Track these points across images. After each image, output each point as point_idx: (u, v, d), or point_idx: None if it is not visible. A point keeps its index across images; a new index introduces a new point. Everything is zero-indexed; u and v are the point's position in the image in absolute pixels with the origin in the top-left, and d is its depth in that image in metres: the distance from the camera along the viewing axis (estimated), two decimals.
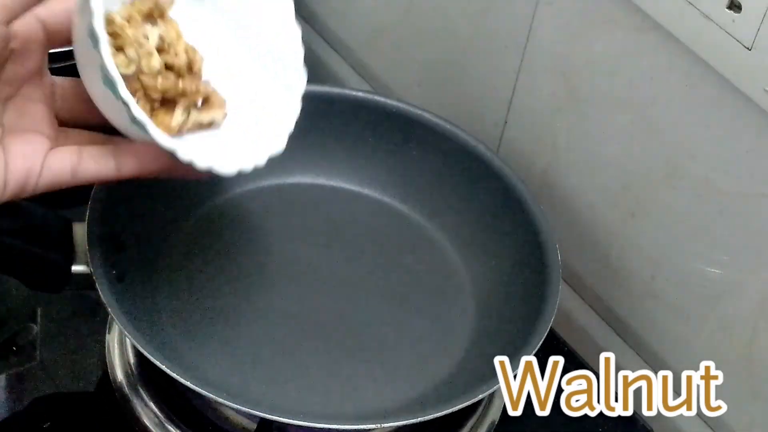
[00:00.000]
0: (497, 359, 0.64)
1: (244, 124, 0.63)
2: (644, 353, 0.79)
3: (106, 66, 0.54)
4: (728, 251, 0.70)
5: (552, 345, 0.76)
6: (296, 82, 0.63)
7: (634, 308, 0.79)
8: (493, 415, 0.72)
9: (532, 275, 0.72)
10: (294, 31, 0.63)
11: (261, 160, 0.60)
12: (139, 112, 0.55)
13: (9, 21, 0.53)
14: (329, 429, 0.61)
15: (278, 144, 0.61)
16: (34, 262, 0.65)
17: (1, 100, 0.58)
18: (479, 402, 0.71)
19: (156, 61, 0.60)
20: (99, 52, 0.54)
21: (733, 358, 0.71)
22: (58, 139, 0.59)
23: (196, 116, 0.62)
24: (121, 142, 0.59)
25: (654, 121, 0.71)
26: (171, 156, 0.56)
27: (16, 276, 0.66)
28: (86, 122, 0.61)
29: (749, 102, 0.63)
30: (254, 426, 0.66)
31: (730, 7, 0.61)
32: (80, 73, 0.59)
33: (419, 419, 0.64)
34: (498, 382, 0.64)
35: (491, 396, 0.72)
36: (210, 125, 0.63)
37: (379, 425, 0.64)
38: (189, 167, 0.57)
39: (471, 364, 0.70)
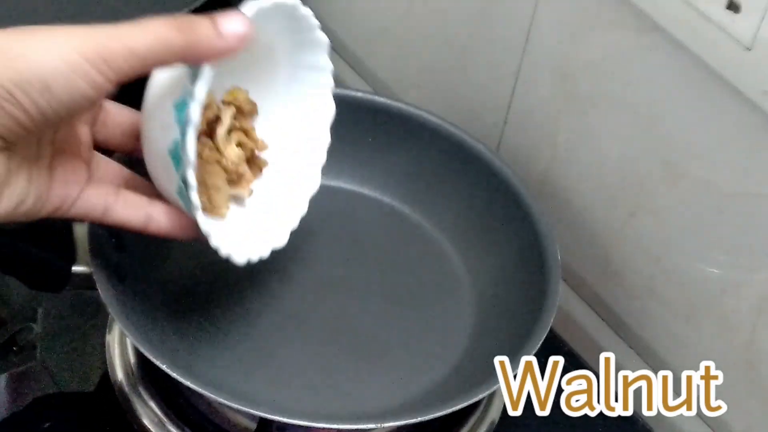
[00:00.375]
0: (497, 359, 0.64)
1: (258, 210, 0.66)
2: (644, 353, 0.79)
3: (187, 149, 0.55)
4: (728, 251, 0.70)
5: (552, 345, 0.76)
6: (309, 185, 0.68)
7: (634, 308, 0.79)
8: (493, 415, 0.72)
9: (532, 275, 0.72)
10: (324, 141, 0.68)
11: (265, 253, 0.64)
12: (195, 196, 0.56)
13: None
14: (329, 429, 0.61)
15: (281, 239, 0.65)
16: (35, 262, 0.65)
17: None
18: (479, 402, 0.71)
19: (234, 154, 0.63)
20: (181, 132, 0.55)
21: (733, 358, 0.71)
22: (91, 162, 0.60)
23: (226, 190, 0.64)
24: (156, 198, 0.60)
25: (654, 121, 0.71)
26: (197, 229, 0.58)
27: (17, 276, 0.66)
28: (117, 149, 0.62)
29: (749, 102, 0.63)
30: (254, 426, 0.66)
31: (729, 8, 0.61)
32: (143, 122, 0.59)
33: (419, 419, 0.64)
34: (498, 382, 0.64)
35: (491, 396, 0.72)
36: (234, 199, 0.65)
37: (379, 425, 0.64)
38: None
39: (471, 363, 0.70)
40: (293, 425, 0.62)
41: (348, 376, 0.69)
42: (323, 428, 0.62)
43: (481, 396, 0.65)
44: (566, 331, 0.80)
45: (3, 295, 0.76)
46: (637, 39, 0.69)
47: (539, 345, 0.66)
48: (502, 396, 0.68)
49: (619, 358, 0.78)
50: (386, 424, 0.65)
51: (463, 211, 0.78)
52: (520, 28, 0.77)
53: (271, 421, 0.63)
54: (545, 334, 0.66)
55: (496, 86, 0.82)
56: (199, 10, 0.88)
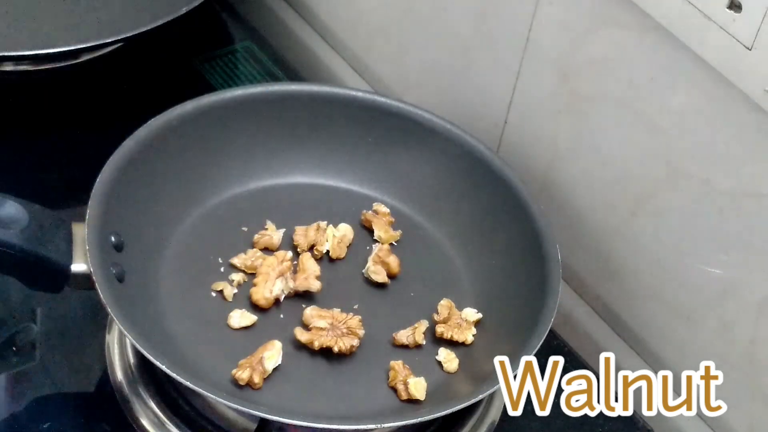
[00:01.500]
0: (497, 359, 0.64)
1: None
2: (644, 353, 0.79)
3: None
4: (728, 251, 0.70)
5: (552, 345, 0.76)
6: None
7: (634, 308, 0.78)
8: (493, 415, 0.72)
9: (532, 275, 0.71)
10: None
11: None
12: None
13: None
14: (329, 429, 0.61)
15: None
16: (34, 262, 0.65)
17: None
18: (479, 402, 0.71)
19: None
20: None
21: (734, 358, 0.71)
22: None
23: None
24: None
25: (654, 121, 0.71)
26: None
27: (16, 276, 0.66)
28: None
29: (749, 102, 0.63)
30: (254, 426, 0.66)
31: (730, 7, 0.61)
32: None
33: (419, 419, 0.64)
34: (498, 382, 0.64)
35: (491, 396, 0.72)
36: None
37: (379, 425, 0.64)
38: None
39: (471, 364, 0.70)
40: (293, 425, 0.62)
41: (348, 376, 0.69)
42: (323, 428, 0.61)
43: (481, 396, 0.65)
44: (566, 331, 0.80)
45: (2, 295, 0.75)
46: (638, 38, 0.69)
47: (539, 345, 0.66)
48: (502, 396, 0.68)
49: (619, 358, 0.78)
50: (386, 424, 0.65)
51: (463, 211, 0.78)
52: (521, 27, 0.77)
53: (271, 422, 0.63)
54: (545, 334, 0.66)
55: (496, 86, 0.82)
56: (198, 9, 0.88)
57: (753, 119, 0.64)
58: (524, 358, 0.64)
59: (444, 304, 0.73)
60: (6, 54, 0.86)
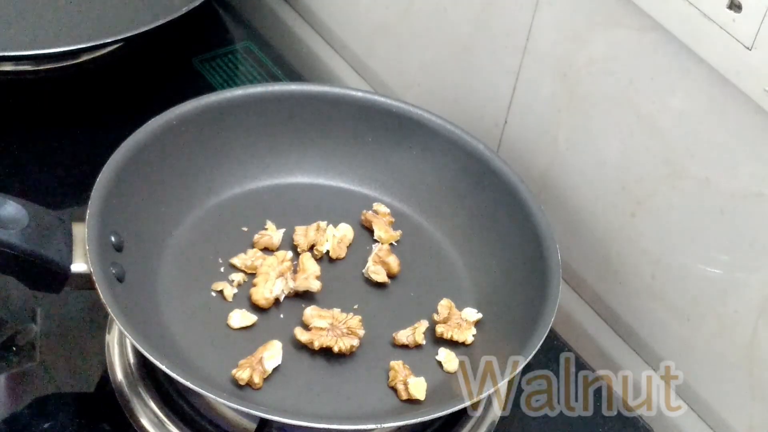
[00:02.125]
0: (459, 359, 0.64)
1: None
2: (644, 353, 0.79)
3: None
4: (728, 251, 0.70)
5: (552, 345, 0.76)
6: None
7: (634, 308, 0.79)
8: (493, 415, 0.72)
9: (532, 275, 0.71)
10: None
11: None
12: None
13: None
14: (329, 429, 0.61)
15: None
16: (34, 262, 0.65)
17: None
18: (479, 402, 0.71)
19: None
20: None
21: (734, 358, 0.71)
22: None
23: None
24: None
25: (654, 121, 0.71)
26: None
27: (16, 276, 0.66)
28: None
29: (749, 102, 0.63)
30: (254, 426, 0.66)
31: (730, 7, 0.61)
32: None
33: (419, 419, 0.64)
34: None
35: (491, 396, 0.72)
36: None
37: (379, 425, 0.64)
38: None
39: (471, 363, 0.70)
40: (293, 425, 0.62)
41: (348, 376, 0.69)
42: (323, 428, 0.61)
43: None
44: (566, 331, 0.80)
45: (2, 295, 0.75)
46: (638, 38, 0.69)
47: (539, 345, 0.66)
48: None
49: (619, 357, 0.79)
50: (386, 424, 0.65)
51: (463, 211, 0.78)
52: (521, 27, 0.77)
53: (271, 421, 0.63)
54: (545, 334, 0.66)
55: (496, 86, 0.82)
56: (198, 9, 0.88)
57: (753, 119, 0.64)
58: (484, 358, 0.64)
59: (444, 304, 0.73)
60: (6, 54, 0.86)
